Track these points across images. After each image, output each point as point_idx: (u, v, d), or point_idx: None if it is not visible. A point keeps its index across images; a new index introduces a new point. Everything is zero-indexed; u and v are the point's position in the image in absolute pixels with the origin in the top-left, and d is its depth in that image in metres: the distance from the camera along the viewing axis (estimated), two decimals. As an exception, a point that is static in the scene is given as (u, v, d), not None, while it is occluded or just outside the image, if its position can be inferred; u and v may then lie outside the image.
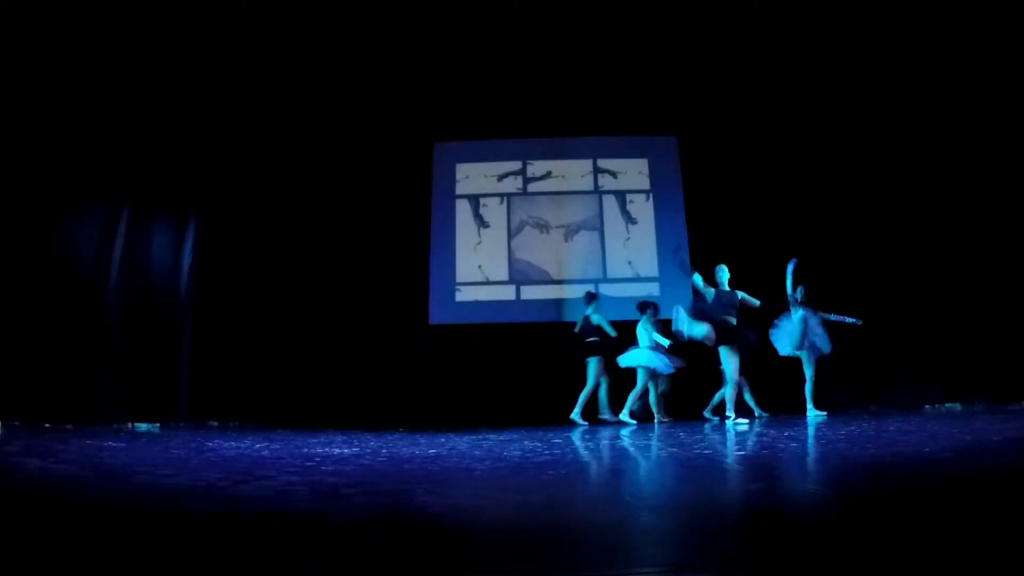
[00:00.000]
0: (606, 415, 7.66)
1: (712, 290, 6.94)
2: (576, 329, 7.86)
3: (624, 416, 7.28)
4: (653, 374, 7.48)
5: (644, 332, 7.46)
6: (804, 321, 7.11)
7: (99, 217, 7.24)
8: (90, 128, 7.01)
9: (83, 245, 7.06)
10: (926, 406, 7.24)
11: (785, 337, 7.24)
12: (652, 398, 7.61)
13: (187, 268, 8.03)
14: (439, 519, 2.10)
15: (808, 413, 6.97)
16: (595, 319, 7.67)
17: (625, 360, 7.42)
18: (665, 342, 7.28)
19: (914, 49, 7.55)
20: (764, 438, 4.67)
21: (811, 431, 4.94)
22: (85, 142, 6.97)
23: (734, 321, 6.78)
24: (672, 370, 7.34)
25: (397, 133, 9.02)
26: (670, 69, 8.46)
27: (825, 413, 6.92)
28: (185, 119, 7.91)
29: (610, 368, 7.65)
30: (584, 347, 7.70)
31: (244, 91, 8.26)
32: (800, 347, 7.11)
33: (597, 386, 7.67)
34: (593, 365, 7.61)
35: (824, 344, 7.15)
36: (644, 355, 7.36)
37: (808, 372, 7.17)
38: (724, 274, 6.92)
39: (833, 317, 7.17)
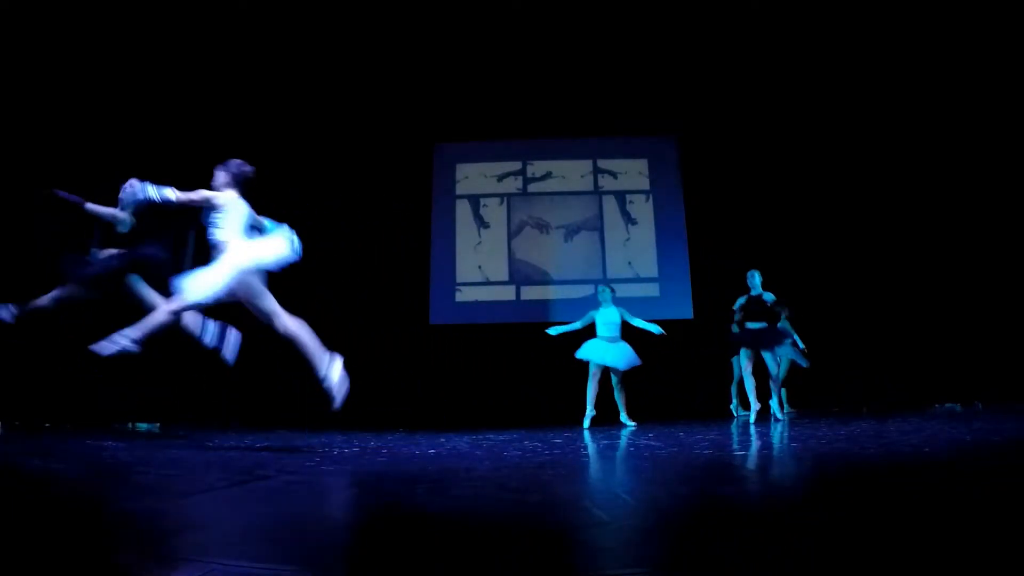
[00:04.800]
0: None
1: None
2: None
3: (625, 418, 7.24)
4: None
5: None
6: None
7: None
8: (92, 128, 7.02)
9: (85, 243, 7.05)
10: (926, 406, 7.24)
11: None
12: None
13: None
14: (439, 519, 2.10)
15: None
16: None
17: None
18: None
19: (913, 48, 7.56)
20: (765, 438, 4.67)
21: (810, 431, 4.94)
22: (87, 142, 6.98)
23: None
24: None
25: (397, 133, 9.02)
26: (670, 69, 8.47)
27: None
28: (188, 120, 7.92)
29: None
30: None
31: (246, 92, 8.27)
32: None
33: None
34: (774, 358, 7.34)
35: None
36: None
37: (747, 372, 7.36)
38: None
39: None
